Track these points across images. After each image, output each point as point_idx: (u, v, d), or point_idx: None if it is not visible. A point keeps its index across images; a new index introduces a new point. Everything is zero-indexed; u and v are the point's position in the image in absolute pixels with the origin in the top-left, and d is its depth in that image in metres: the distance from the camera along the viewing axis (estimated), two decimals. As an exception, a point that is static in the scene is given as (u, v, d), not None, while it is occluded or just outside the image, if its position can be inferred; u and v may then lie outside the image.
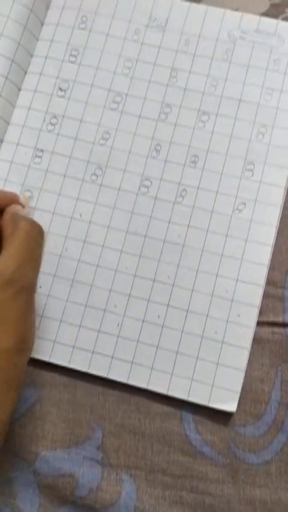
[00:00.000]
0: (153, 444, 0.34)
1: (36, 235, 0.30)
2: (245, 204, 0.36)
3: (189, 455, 0.34)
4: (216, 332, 0.34)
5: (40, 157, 0.37)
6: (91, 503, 0.33)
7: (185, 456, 0.34)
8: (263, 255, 0.35)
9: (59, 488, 0.33)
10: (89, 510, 0.33)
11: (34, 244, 0.29)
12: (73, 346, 0.34)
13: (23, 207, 0.33)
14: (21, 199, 0.33)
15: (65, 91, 0.38)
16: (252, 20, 0.38)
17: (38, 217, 0.36)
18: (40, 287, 0.35)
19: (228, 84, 0.37)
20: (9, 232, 0.29)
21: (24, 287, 0.28)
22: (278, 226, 0.35)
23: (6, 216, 0.30)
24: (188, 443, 0.34)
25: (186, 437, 0.34)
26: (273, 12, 0.39)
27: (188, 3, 0.39)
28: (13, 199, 0.32)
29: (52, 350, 0.35)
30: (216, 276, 0.35)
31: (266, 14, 0.38)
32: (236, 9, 0.39)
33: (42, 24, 0.39)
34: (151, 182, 0.36)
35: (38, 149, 0.37)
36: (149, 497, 0.33)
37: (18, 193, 0.35)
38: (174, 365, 0.34)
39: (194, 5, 0.39)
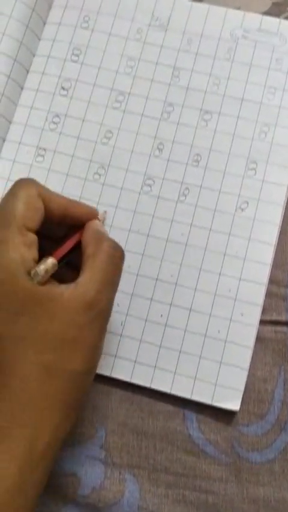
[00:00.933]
0: (156, 443, 0.34)
1: (117, 259, 0.29)
2: (247, 203, 0.36)
3: (192, 454, 0.34)
4: (219, 331, 0.34)
5: (42, 156, 0.37)
6: (94, 502, 0.33)
7: (188, 455, 0.34)
8: (266, 254, 0.35)
9: (62, 487, 0.33)
10: (92, 509, 0.33)
11: (115, 267, 0.29)
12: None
13: (102, 222, 0.32)
14: (100, 215, 0.32)
15: (67, 90, 0.38)
16: (254, 19, 0.38)
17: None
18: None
19: (230, 83, 0.37)
20: (92, 252, 0.28)
21: (102, 311, 0.27)
22: (280, 225, 0.35)
23: (88, 233, 0.30)
24: (191, 442, 0.34)
25: (189, 436, 0.34)
26: (275, 11, 0.39)
27: (190, 2, 0.39)
28: (94, 214, 0.31)
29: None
30: (219, 275, 0.35)
31: (267, 13, 0.38)
32: (238, 8, 0.39)
33: (44, 24, 0.39)
34: (154, 181, 0.36)
35: (40, 148, 0.37)
36: (152, 496, 0.33)
37: (96, 207, 0.33)
38: (177, 364, 0.34)
39: (196, 4, 0.39)
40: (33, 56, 0.39)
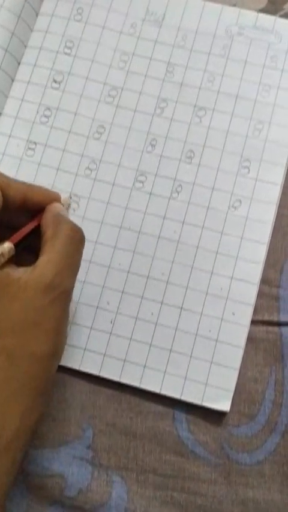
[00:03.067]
0: (144, 444, 0.33)
1: (77, 241, 0.29)
2: (240, 201, 0.35)
3: (181, 455, 0.33)
4: (210, 330, 0.34)
5: (33, 149, 0.36)
6: (81, 504, 0.32)
7: (177, 456, 0.33)
8: (258, 253, 0.34)
9: (48, 488, 0.33)
10: (78, 511, 0.32)
11: (75, 249, 0.28)
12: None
13: (64, 207, 0.32)
14: (63, 199, 0.31)
15: (59, 83, 0.37)
16: (250, 16, 0.38)
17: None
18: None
19: (225, 80, 0.37)
20: (51, 234, 0.28)
21: (62, 293, 0.27)
22: (273, 225, 0.35)
23: (48, 216, 0.29)
24: (180, 443, 0.33)
25: (178, 437, 0.33)
26: (270, 8, 0.38)
27: (185, -2, 0.38)
28: (55, 198, 0.31)
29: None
30: (211, 273, 0.34)
31: (263, 10, 0.38)
32: (234, 5, 0.38)
33: (37, 15, 0.38)
34: (146, 177, 0.36)
35: (30, 141, 0.37)
36: (140, 497, 0.33)
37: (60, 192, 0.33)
38: (167, 363, 0.33)
39: (191, 0, 0.38)
40: (25, 47, 0.38)
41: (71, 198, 0.35)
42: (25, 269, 0.27)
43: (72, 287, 0.28)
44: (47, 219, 0.29)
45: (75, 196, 0.36)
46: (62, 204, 0.31)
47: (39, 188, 0.30)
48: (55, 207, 0.30)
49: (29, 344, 0.26)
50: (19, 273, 0.26)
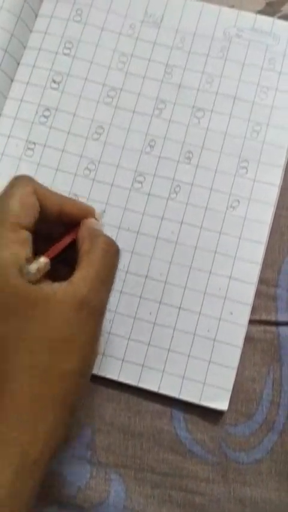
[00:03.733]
0: (143, 442, 0.33)
1: (113, 256, 0.28)
2: (238, 202, 0.35)
3: (179, 454, 0.33)
4: (208, 330, 0.34)
5: (32, 150, 0.37)
6: (79, 502, 0.32)
7: (175, 455, 0.33)
8: (256, 253, 0.35)
9: (46, 486, 0.33)
10: (77, 509, 0.32)
11: (110, 264, 0.28)
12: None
13: (98, 221, 0.32)
14: (96, 214, 0.31)
15: (58, 84, 0.37)
16: (248, 18, 0.38)
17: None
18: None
19: (223, 82, 0.37)
20: (87, 248, 0.27)
21: (97, 310, 0.27)
22: (271, 225, 0.35)
23: (84, 230, 0.29)
24: (178, 442, 0.33)
25: (176, 436, 0.33)
26: (268, 10, 0.38)
27: (183, 0, 0.38)
28: (90, 212, 0.30)
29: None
30: (209, 273, 0.35)
31: (261, 12, 0.38)
32: (232, 7, 0.38)
33: (36, 16, 0.38)
34: (144, 178, 0.36)
35: (30, 142, 0.37)
36: (138, 496, 0.33)
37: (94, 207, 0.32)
38: (165, 363, 0.34)
39: (189, 1, 0.38)
40: (24, 48, 0.38)
41: (104, 212, 0.35)
42: (60, 284, 0.26)
43: (106, 303, 0.28)
44: (83, 234, 0.29)
45: (74, 196, 0.36)
46: (96, 219, 0.31)
47: (75, 201, 0.30)
48: (91, 221, 0.30)
49: (61, 361, 0.25)
50: (53, 288, 0.26)
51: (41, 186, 0.29)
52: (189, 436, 0.33)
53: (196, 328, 0.34)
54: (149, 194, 0.36)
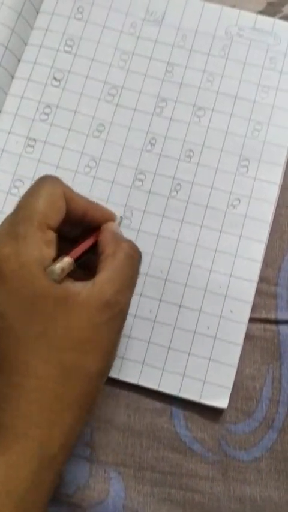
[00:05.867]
0: (142, 441, 0.33)
1: (136, 259, 0.28)
2: (239, 200, 0.35)
3: (178, 452, 0.33)
4: (208, 327, 0.34)
5: (32, 147, 0.36)
6: (78, 501, 0.32)
7: (175, 453, 0.33)
8: (257, 251, 0.35)
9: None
10: (76, 509, 0.32)
11: (134, 268, 0.28)
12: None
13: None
14: (117, 218, 0.31)
15: (59, 81, 0.37)
16: (249, 18, 0.38)
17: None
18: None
19: (224, 80, 0.37)
20: (111, 252, 0.27)
21: (120, 311, 0.27)
22: (271, 223, 0.35)
23: (107, 234, 0.29)
24: (178, 440, 0.33)
25: (176, 434, 0.33)
26: (269, 10, 0.39)
27: (185, -2, 0.38)
28: (112, 217, 0.30)
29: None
30: (210, 271, 0.35)
31: (262, 12, 0.39)
32: (233, 6, 0.38)
33: (37, 13, 0.38)
34: (145, 176, 0.36)
35: (30, 139, 0.37)
36: (137, 494, 0.33)
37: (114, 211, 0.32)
38: (165, 360, 0.34)
39: (191, 0, 0.38)
40: (25, 44, 0.38)
41: (122, 217, 0.35)
42: (84, 284, 0.26)
43: (129, 306, 0.28)
44: (106, 237, 0.29)
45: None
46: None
47: (99, 206, 0.30)
48: (113, 225, 0.30)
49: (84, 361, 0.25)
50: (78, 287, 0.26)
51: (68, 188, 0.29)
52: (189, 434, 0.33)
53: (196, 326, 0.34)
54: (149, 192, 0.36)
